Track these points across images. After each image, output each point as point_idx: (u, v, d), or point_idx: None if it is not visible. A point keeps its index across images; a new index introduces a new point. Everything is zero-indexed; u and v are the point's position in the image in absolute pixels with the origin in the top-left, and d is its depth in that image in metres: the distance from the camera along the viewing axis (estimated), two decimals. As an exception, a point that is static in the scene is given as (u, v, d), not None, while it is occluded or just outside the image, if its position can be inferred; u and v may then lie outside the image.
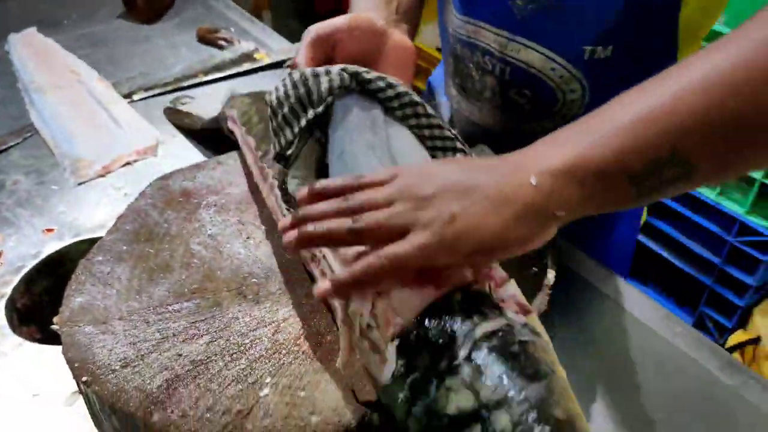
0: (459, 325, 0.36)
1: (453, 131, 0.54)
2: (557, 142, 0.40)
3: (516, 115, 0.66)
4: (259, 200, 0.61)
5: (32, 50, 1.06)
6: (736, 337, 1.22)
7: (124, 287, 0.53)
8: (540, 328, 0.38)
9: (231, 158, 0.68)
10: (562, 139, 0.40)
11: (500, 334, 0.36)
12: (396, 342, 0.37)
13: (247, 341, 0.48)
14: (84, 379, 0.45)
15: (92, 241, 0.68)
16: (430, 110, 0.53)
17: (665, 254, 1.21)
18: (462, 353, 0.35)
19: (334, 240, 0.40)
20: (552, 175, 0.38)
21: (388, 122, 0.52)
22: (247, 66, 1.02)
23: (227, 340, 0.48)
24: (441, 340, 0.36)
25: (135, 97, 0.94)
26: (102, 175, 0.78)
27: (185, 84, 0.97)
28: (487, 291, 0.39)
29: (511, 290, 0.40)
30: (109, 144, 0.82)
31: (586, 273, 0.62)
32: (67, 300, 0.52)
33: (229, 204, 0.62)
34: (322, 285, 0.39)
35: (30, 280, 0.65)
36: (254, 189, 0.63)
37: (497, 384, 0.34)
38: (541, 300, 0.51)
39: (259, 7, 1.96)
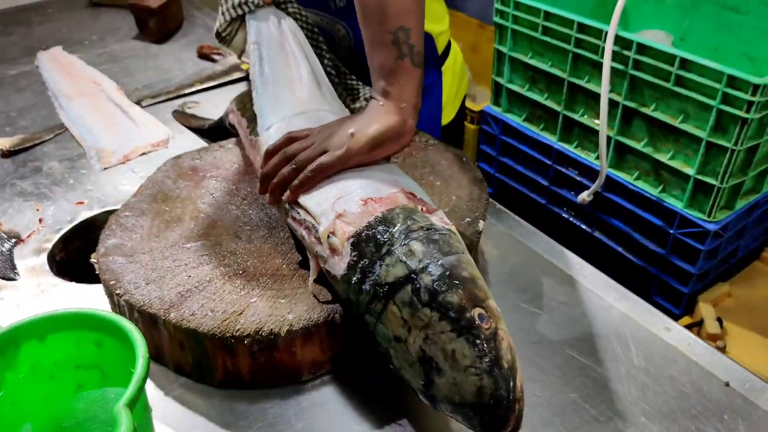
0: (396, 226, 0.51)
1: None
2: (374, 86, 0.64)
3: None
4: (251, 171, 0.76)
5: (58, 65, 1.22)
6: (683, 322, 1.35)
7: (145, 233, 0.67)
8: (455, 231, 0.53)
9: (230, 143, 0.83)
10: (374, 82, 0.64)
11: (426, 228, 0.51)
12: (351, 240, 0.51)
13: (240, 268, 0.62)
14: (117, 292, 0.59)
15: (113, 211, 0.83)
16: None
17: (617, 247, 1.36)
18: (398, 242, 0.50)
19: (287, 180, 0.60)
20: (382, 95, 0.62)
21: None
22: (236, 75, 1.18)
23: (226, 266, 0.62)
24: (384, 236, 0.50)
25: (143, 104, 1.10)
26: (122, 162, 0.93)
27: (185, 92, 1.13)
28: (418, 209, 0.54)
29: (439, 215, 0.55)
30: (128, 138, 0.98)
31: (515, 231, 0.77)
32: (102, 242, 0.66)
33: (229, 176, 0.77)
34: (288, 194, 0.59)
35: (66, 239, 0.79)
36: (248, 162, 0.78)
37: (421, 257, 0.48)
38: (472, 240, 0.65)
39: None
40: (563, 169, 1.43)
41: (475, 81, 2.18)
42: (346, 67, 0.87)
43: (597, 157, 1.38)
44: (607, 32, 1.17)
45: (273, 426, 0.55)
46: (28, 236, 0.78)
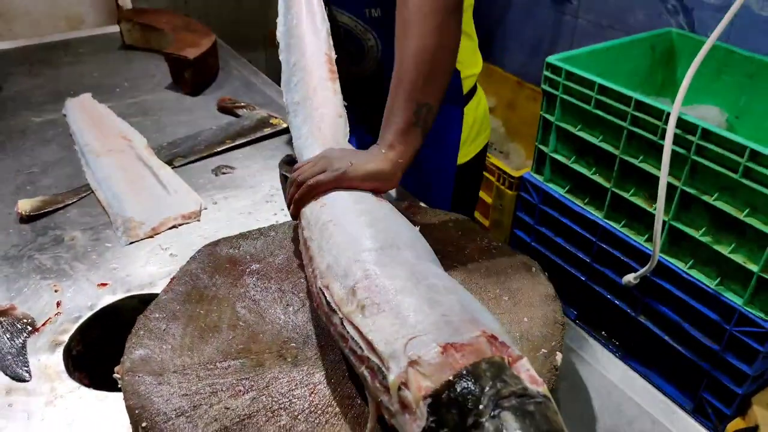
0: (484, 388, 0.43)
1: None
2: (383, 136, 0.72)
3: (348, 60, 0.97)
4: (296, 268, 0.69)
5: (87, 115, 1.16)
6: (735, 425, 1.25)
7: (177, 343, 0.59)
8: (550, 396, 0.44)
9: (272, 230, 0.76)
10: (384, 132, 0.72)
11: (518, 396, 0.43)
12: (428, 401, 0.43)
13: (286, 400, 0.54)
14: (144, 424, 0.51)
15: (141, 297, 0.75)
16: None
17: (667, 338, 1.26)
18: (486, 411, 0.42)
19: (297, 194, 0.67)
20: (387, 147, 0.70)
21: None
22: (267, 131, 1.11)
23: (269, 397, 0.54)
24: (468, 400, 0.42)
25: (175, 163, 1.03)
26: (150, 236, 0.86)
27: (216, 150, 1.06)
28: (506, 364, 0.46)
29: (525, 365, 0.47)
30: (157, 207, 0.91)
31: (591, 356, 0.69)
32: (128, 352, 0.58)
33: (270, 272, 0.69)
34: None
35: (84, 329, 0.71)
36: (295, 254, 0.71)
37: (516, 436, 0.40)
38: (549, 379, 0.57)
39: (273, 45, 2.12)
40: (608, 248, 1.35)
41: (510, 138, 2.12)
42: (369, 78, 0.98)
43: (646, 240, 1.30)
44: (668, 113, 1.11)
45: None
46: (43, 324, 0.71)
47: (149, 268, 0.80)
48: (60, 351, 0.68)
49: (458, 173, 1.08)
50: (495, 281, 0.68)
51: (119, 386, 0.57)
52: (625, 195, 1.27)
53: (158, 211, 0.90)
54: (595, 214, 1.35)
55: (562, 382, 0.65)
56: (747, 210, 1.07)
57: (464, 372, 0.44)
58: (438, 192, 1.07)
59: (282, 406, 0.53)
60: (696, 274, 1.18)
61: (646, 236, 1.26)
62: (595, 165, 1.33)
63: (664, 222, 1.19)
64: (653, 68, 1.54)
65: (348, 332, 0.51)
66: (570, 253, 1.43)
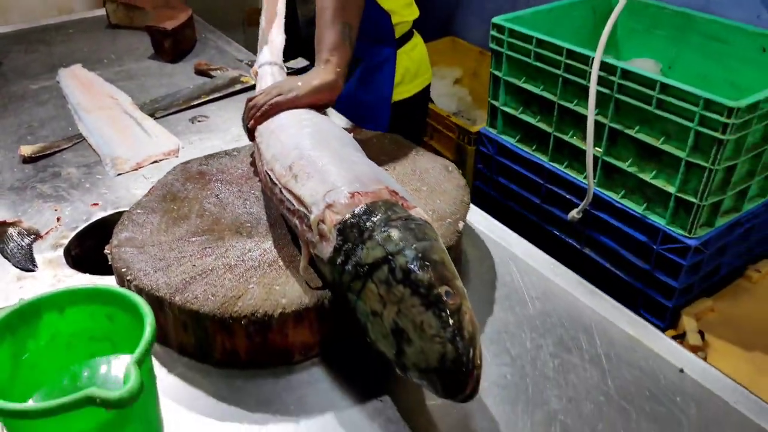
0: (377, 215, 0.57)
1: None
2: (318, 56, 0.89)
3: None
4: (255, 175, 0.83)
5: (78, 81, 1.31)
6: (667, 335, 1.38)
7: (155, 228, 0.74)
8: (434, 231, 0.59)
9: (236, 151, 0.90)
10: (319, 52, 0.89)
11: (404, 219, 0.57)
12: (337, 227, 0.58)
13: (241, 260, 0.68)
14: (128, 278, 0.65)
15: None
16: None
17: (604, 263, 1.41)
18: (378, 229, 0.56)
19: (259, 114, 0.81)
20: (324, 62, 0.87)
21: None
22: (237, 87, 1.26)
23: (227, 257, 0.68)
24: (366, 223, 0.57)
25: (156, 116, 1.17)
26: (135, 169, 1.00)
27: (193, 104, 1.20)
28: (399, 204, 0.60)
29: (418, 211, 0.61)
30: (141, 147, 1.05)
31: (499, 236, 0.83)
32: (115, 235, 0.73)
33: (233, 179, 0.83)
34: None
35: (81, 236, 0.85)
36: (253, 168, 0.85)
37: (398, 242, 0.54)
38: (451, 239, 0.71)
39: (251, 24, 2.26)
40: (554, 188, 1.49)
41: (476, 105, 2.26)
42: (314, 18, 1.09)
43: (585, 177, 1.44)
44: (593, 58, 1.25)
45: (266, 400, 0.61)
46: (46, 233, 0.85)
47: (134, 191, 0.94)
48: (61, 250, 0.82)
49: (394, 109, 1.24)
50: (417, 178, 0.82)
51: (110, 263, 0.71)
52: (565, 137, 1.41)
53: (142, 150, 1.04)
54: (542, 158, 1.49)
55: (472, 253, 0.80)
56: (663, 138, 1.21)
57: (364, 206, 0.58)
58: (374, 125, 1.19)
59: (238, 263, 0.68)
60: (627, 202, 1.33)
61: (585, 174, 1.40)
62: (539, 113, 1.47)
63: (597, 158, 1.33)
64: (596, 28, 1.67)
65: (285, 196, 0.65)
66: (523, 197, 1.57)
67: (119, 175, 0.98)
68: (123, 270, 0.67)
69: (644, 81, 1.19)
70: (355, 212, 0.58)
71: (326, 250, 0.58)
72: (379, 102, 1.22)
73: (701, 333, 1.26)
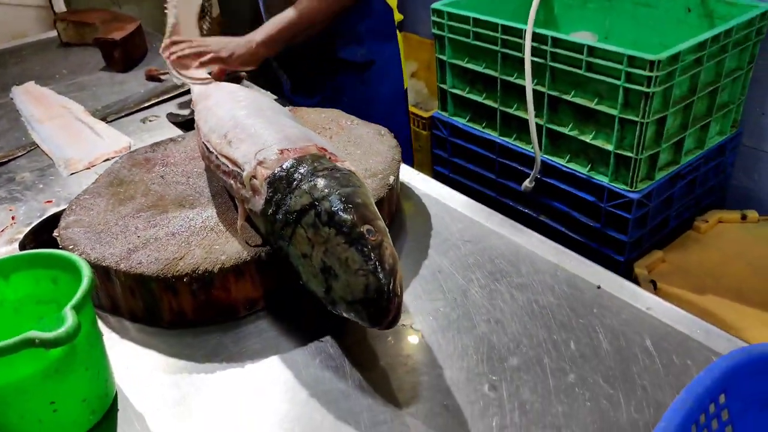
0: (305, 166, 0.61)
1: None
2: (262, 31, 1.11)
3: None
4: (198, 156, 0.87)
5: (31, 96, 1.34)
6: (628, 292, 1.43)
7: (102, 209, 0.77)
8: (359, 179, 0.63)
9: (180, 137, 0.94)
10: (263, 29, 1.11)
11: (329, 169, 0.61)
12: (267, 180, 0.62)
13: (184, 228, 0.72)
14: (75, 252, 0.69)
15: (81, 205, 0.92)
16: None
17: (562, 228, 1.46)
18: (305, 179, 0.60)
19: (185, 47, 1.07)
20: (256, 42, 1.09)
21: None
22: (183, 89, 1.30)
23: (171, 227, 0.72)
24: (294, 175, 0.61)
25: (108, 119, 1.21)
26: (88, 168, 1.03)
27: (143, 106, 1.24)
28: (327, 158, 0.64)
29: (347, 165, 0.65)
30: (93, 148, 1.08)
31: (435, 192, 0.88)
32: (63, 219, 0.76)
33: (177, 162, 0.87)
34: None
35: (36, 231, 0.88)
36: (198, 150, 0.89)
37: (323, 189, 0.58)
38: (383, 191, 0.75)
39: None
40: (507, 161, 1.54)
41: (432, 96, 2.32)
42: None
43: (533, 146, 1.49)
44: (525, 31, 1.31)
45: (214, 351, 0.64)
46: (1, 231, 0.88)
47: (87, 186, 0.97)
48: (16, 245, 0.85)
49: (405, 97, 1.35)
50: (353, 143, 0.86)
51: (59, 244, 0.75)
52: (510, 111, 1.47)
53: (94, 150, 1.07)
54: (491, 134, 1.54)
55: (410, 209, 0.84)
56: (596, 99, 1.27)
57: (293, 161, 0.63)
58: (393, 123, 1.23)
59: (180, 230, 0.71)
60: (573, 166, 1.38)
61: (532, 144, 1.46)
62: (485, 91, 1.53)
63: (540, 126, 1.39)
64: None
65: (221, 161, 0.69)
66: (479, 174, 1.62)
67: (72, 174, 1.02)
68: (70, 247, 0.70)
69: (573, 47, 1.25)
70: (284, 166, 0.62)
71: (258, 203, 0.62)
72: (395, 100, 1.29)
73: (653, 282, 1.31)
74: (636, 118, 1.20)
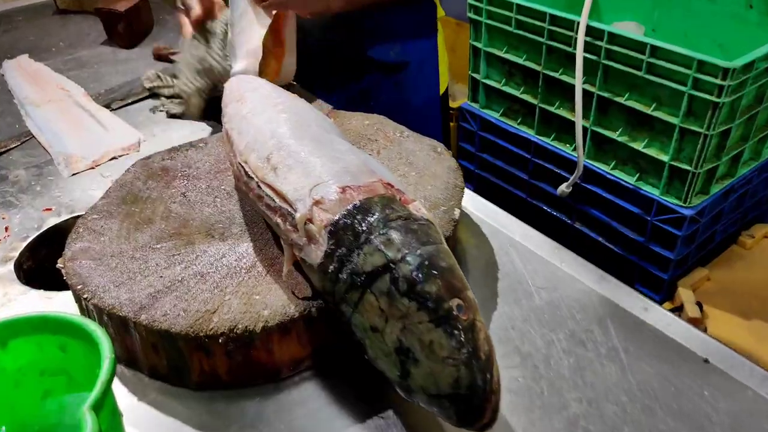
0: (374, 214, 0.50)
1: None
2: None
3: None
4: (225, 168, 0.75)
5: (25, 73, 1.19)
6: (665, 308, 1.35)
7: (114, 235, 0.65)
8: (434, 222, 0.52)
9: (201, 142, 0.82)
10: None
11: (404, 218, 0.50)
12: (328, 228, 0.50)
13: (214, 267, 0.61)
14: (85, 296, 0.57)
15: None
16: None
17: (597, 237, 1.37)
18: (375, 231, 0.49)
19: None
20: None
21: None
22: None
23: (198, 265, 0.61)
24: (362, 224, 0.49)
25: (113, 106, 1.08)
26: (92, 168, 0.91)
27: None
28: (397, 199, 0.53)
29: (417, 206, 0.54)
30: (97, 143, 0.95)
31: (495, 221, 0.76)
32: (68, 246, 0.64)
33: (200, 174, 0.75)
34: None
35: (33, 247, 0.77)
36: (223, 159, 0.77)
37: (400, 247, 0.47)
38: (448, 229, 0.64)
39: None
40: (542, 162, 1.43)
41: (454, 80, 2.18)
42: None
43: (574, 149, 1.39)
44: (578, 23, 1.18)
45: (252, 426, 0.54)
46: (-6, 245, 0.76)
47: (92, 192, 0.85)
48: (11, 264, 0.73)
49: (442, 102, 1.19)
50: (404, 162, 0.75)
51: (64, 277, 0.63)
52: (551, 109, 1.35)
53: (98, 146, 0.95)
54: (528, 132, 1.43)
55: (467, 240, 0.73)
56: (654, 105, 1.15)
57: (358, 204, 0.51)
58: (428, 129, 1.14)
59: (210, 270, 0.60)
60: (618, 174, 1.27)
61: (574, 146, 1.34)
62: (523, 84, 1.40)
63: (585, 128, 1.27)
64: (576, -7, 1.61)
65: (263, 191, 0.58)
66: (510, 173, 1.51)
67: (74, 175, 0.89)
68: (79, 287, 0.58)
69: (633, 45, 1.13)
70: (348, 210, 0.51)
71: (316, 254, 0.51)
72: (429, 108, 1.16)
73: (699, 304, 1.22)
74: (700, 129, 1.08)
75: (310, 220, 0.52)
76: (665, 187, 1.20)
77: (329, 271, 0.50)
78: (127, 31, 1.29)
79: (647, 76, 1.12)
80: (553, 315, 0.63)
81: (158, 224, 0.67)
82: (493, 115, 1.50)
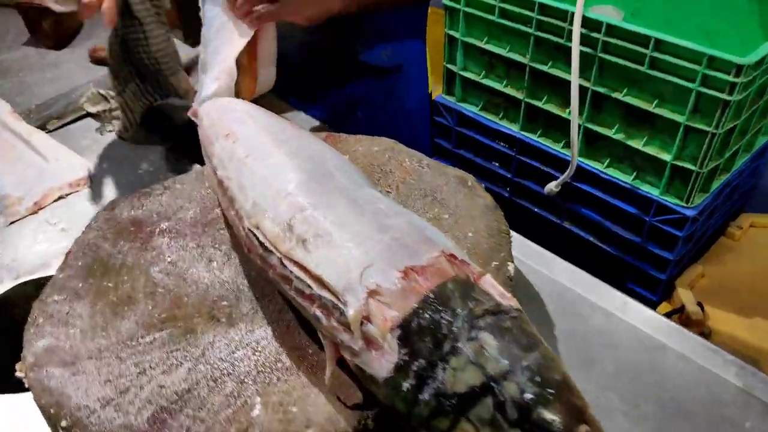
0: (455, 310, 0.38)
1: None
2: None
3: None
4: (213, 221, 0.61)
5: (-70, 84, 0.98)
6: (663, 309, 1.32)
7: (87, 325, 0.51)
8: (521, 308, 0.41)
9: (177, 183, 0.67)
10: None
11: (493, 313, 0.39)
12: (397, 332, 0.38)
13: (227, 365, 0.48)
14: (63, 424, 0.44)
15: (36, 282, 0.65)
16: None
17: (591, 238, 1.31)
18: (462, 334, 0.38)
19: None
20: None
21: None
22: None
23: (207, 365, 0.48)
24: (441, 325, 0.38)
25: (49, 127, 0.90)
26: (34, 212, 0.74)
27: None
28: (472, 281, 0.42)
29: (489, 281, 0.43)
30: (37, 178, 0.78)
31: (536, 262, 0.67)
32: (28, 345, 0.49)
33: (184, 229, 0.61)
34: None
35: (-30, 329, 0.60)
36: (210, 204, 0.62)
37: (499, 357, 0.36)
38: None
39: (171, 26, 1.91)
40: (528, 160, 1.35)
41: (428, 71, 2.06)
42: None
43: (564, 146, 1.31)
44: (572, 14, 1.09)
45: None
46: None
47: (38, 247, 0.69)
48: (-57, 359, 0.57)
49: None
50: (431, 201, 0.63)
51: (26, 386, 0.48)
52: (539, 104, 1.26)
53: (39, 183, 0.78)
54: (511, 128, 1.33)
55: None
56: (656, 101, 1.09)
57: (431, 295, 0.40)
58: (417, 136, 1.06)
59: (224, 372, 0.47)
60: (613, 172, 1.21)
61: (563, 143, 1.27)
62: (506, 77, 1.31)
63: (578, 125, 1.20)
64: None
65: (291, 272, 0.45)
66: (490, 171, 1.42)
67: (12, 223, 0.72)
68: (53, 411, 0.44)
69: (635, 38, 1.04)
70: (420, 306, 0.39)
71: (381, 365, 0.39)
72: (419, 112, 1.05)
73: (700, 305, 1.19)
74: (707, 128, 1.02)
75: (368, 318, 0.40)
76: (666, 186, 1.14)
77: (403, 389, 0.38)
78: (54, 29, 1.09)
79: (650, 72, 1.05)
80: (659, 409, 0.54)
81: (143, 305, 0.53)
82: (471, 109, 1.40)
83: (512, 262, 0.56)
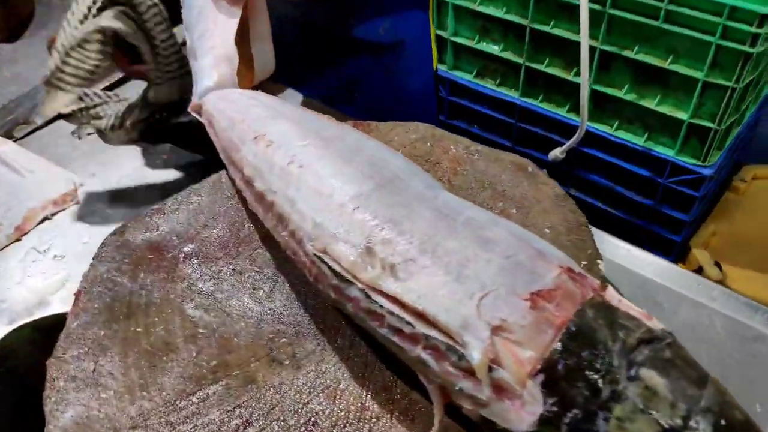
0: (607, 343, 0.32)
1: None
2: None
3: None
4: (246, 240, 0.52)
5: None
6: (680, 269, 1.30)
7: (122, 385, 0.42)
8: (679, 343, 0.35)
9: (193, 194, 0.57)
10: None
11: (647, 342, 0.32)
12: (539, 378, 0.31)
13: (304, 419, 0.40)
14: None
15: (36, 324, 0.55)
16: None
17: (601, 205, 1.27)
18: (621, 374, 0.31)
19: None
20: None
21: None
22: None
23: (281, 422, 0.40)
24: (593, 365, 0.31)
25: (16, 135, 0.78)
26: (17, 239, 0.63)
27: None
28: (608, 303, 0.35)
29: (615, 295, 0.36)
30: (13, 198, 0.67)
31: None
32: (52, 418, 0.40)
33: (214, 251, 0.52)
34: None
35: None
36: (237, 215, 0.54)
37: (672, 400, 0.30)
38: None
39: None
40: (529, 127, 1.29)
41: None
42: None
43: (569, 110, 1.25)
44: (578, -33, 1.01)
45: None
46: None
47: (30, 282, 0.59)
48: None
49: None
50: (492, 194, 0.56)
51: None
52: (540, 67, 1.19)
53: (16, 204, 0.67)
54: (510, 95, 1.26)
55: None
56: (670, 57, 1.03)
57: (572, 328, 0.32)
58: (424, 113, 0.98)
59: (302, 428, 0.39)
60: (623, 135, 1.16)
61: (567, 106, 1.21)
62: (503, 41, 1.23)
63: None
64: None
65: (381, 306, 0.37)
66: (489, 141, 1.35)
67: (-6, 254, 0.62)
68: (102, 505, 0.36)
69: (648, -9, 0.98)
70: (564, 343, 0.32)
71: (521, 419, 0.32)
72: (426, 86, 0.96)
73: (718, 265, 1.16)
74: (727, 83, 0.98)
75: (498, 362, 0.33)
76: (681, 146, 1.10)
77: (553, 447, 0.32)
78: (3, 18, 0.95)
79: (664, 26, 0.99)
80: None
81: (185, 352, 0.44)
82: (465, 77, 1.32)
83: (601, 259, 0.50)
